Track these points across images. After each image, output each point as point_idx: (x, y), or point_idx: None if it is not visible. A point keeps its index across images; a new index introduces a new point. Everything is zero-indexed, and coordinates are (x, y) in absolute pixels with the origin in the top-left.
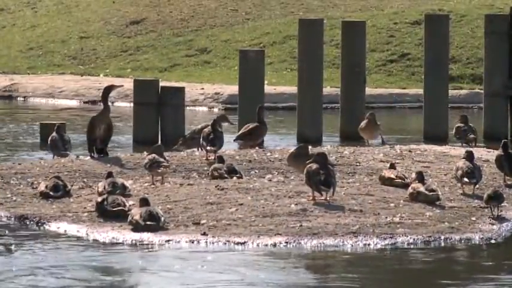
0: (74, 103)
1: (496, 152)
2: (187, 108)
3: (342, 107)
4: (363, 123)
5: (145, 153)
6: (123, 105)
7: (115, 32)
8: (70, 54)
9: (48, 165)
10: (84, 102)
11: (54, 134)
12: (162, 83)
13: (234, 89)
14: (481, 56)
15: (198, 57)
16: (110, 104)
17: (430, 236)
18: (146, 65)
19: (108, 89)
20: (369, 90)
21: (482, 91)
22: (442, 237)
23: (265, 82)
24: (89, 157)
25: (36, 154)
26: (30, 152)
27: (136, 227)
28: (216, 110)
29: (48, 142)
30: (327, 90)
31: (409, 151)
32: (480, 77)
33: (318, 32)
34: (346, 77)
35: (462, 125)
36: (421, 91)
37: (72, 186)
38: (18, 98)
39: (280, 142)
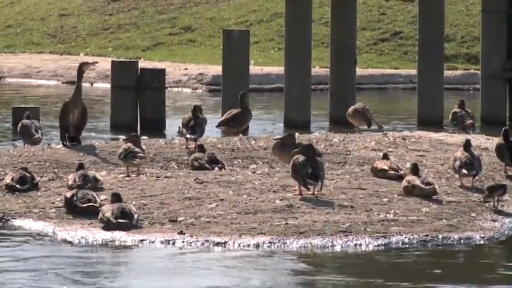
0: (52, 83)
1: (496, 140)
2: (170, 89)
3: (332, 90)
4: (350, 109)
5: (121, 140)
6: (103, 86)
7: (96, 10)
8: (49, 33)
9: (16, 154)
10: (62, 83)
11: (24, 120)
12: (143, 63)
13: (219, 69)
14: (476, 35)
15: (182, 36)
16: (89, 84)
17: (427, 235)
18: (128, 43)
19: (81, 67)
20: (359, 71)
21: (478, 71)
22: (440, 236)
23: (252, 62)
24: (61, 145)
25: (7, 141)
26: (1, 139)
27: (108, 225)
28: (200, 91)
29: (18, 129)
30: (316, 70)
31: (403, 138)
32: (475, 57)
33: (306, 10)
34: (335, 58)
35: (459, 110)
36: (414, 71)
37: (41, 177)
38: None
39: (266, 127)
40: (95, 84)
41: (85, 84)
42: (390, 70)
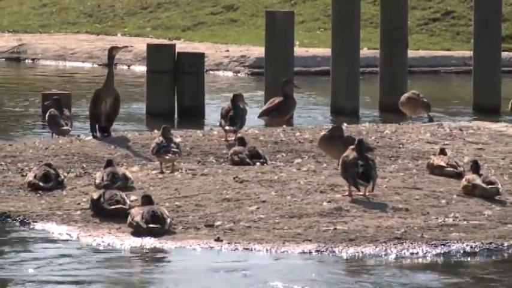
0: (87, 66)
1: None
2: (210, 73)
3: (382, 74)
4: (403, 98)
5: (155, 131)
6: (141, 69)
7: None
8: (86, 12)
9: (42, 147)
10: (98, 65)
11: (53, 109)
12: (183, 44)
13: (262, 51)
14: None
15: (224, 15)
16: (126, 67)
17: (491, 243)
18: (168, 23)
19: (111, 51)
20: (410, 53)
21: None
22: (506, 244)
23: (296, 43)
24: (90, 137)
25: (35, 130)
26: (31, 127)
27: (137, 231)
28: (241, 74)
29: (46, 118)
30: (364, 52)
31: (460, 130)
32: None
33: None
34: (385, 39)
35: None
36: (467, 53)
37: (67, 173)
38: (27, 61)
39: (312, 115)
40: (132, 67)
41: (121, 67)
42: (442, 52)
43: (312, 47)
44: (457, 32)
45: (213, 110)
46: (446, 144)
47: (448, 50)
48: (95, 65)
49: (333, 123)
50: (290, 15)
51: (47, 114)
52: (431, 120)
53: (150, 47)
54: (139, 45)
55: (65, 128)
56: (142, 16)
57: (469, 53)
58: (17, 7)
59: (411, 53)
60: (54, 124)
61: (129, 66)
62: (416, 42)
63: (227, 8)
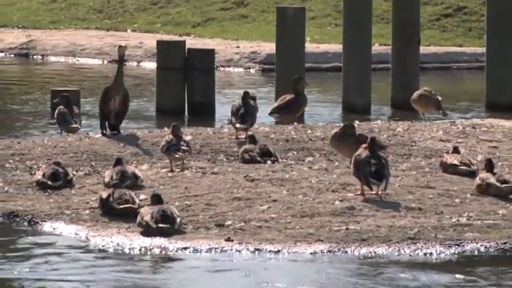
0: (97, 62)
1: None
2: (221, 69)
3: (394, 70)
4: (415, 95)
5: (165, 129)
6: (151, 66)
7: None
8: (96, 7)
9: (51, 145)
10: (108, 62)
11: (62, 106)
12: (193, 41)
13: (273, 47)
14: None
15: (234, 11)
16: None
17: (506, 243)
18: (178, 19)
19: (119, 51)
20: (421, 49)
21: None
22: None
23: (307, 39)
24: (99, 134)
25: (43, 128)
26: (39, 124)
27: (147, 230)
28: (252, 71)
29: (55, 116)
30: (376, 48)
31: (473, 127)
32: None
33: None
34: (397, 36)
35: None
36: (479, 49)
37: (76, 172)
38: (36, 57)
39: (323, 112)
40: (142, 63)
41: (131, 63)
42: (455, 48)
43: (323, 43)
44: (469, 28)
45: (223, 106)
46: (460, 142)
47: (460, 46)
48: (105, 61)
49: (344, 121)
50: (301, 11)
51: (56, 111)
52: (445, 114)
53: (160, 43)
54: (149, 41)
55: (74, 125)
56: (152, 12)
57: (481, 49)
58: (27, 3)
59: (423, 49)
60: (63, 122)
61: (139, 62)
62: (428, 38)
63: (237, 3)
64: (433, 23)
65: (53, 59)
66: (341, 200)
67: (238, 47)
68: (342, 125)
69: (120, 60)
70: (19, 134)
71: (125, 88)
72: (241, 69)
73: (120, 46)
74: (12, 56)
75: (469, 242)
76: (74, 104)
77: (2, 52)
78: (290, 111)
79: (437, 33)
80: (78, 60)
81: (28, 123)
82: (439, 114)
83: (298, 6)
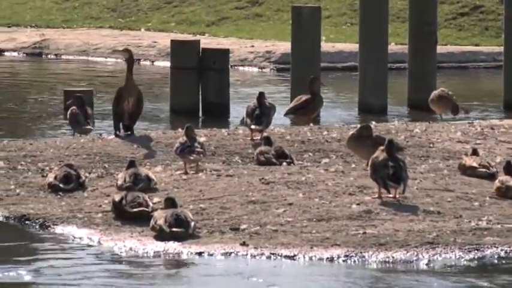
0: (110, 61)
1: None
2: (235, 68)
3: (410, 70)
4: (433, 95)
5: (179, 130)
6: (165, 65)
7: None
8: (109, 6)
9: (64, 146)
10: (122, 60)
11: (74, 107)
12: (207, 40)
13: (288, 46)
14: None
15: (249, 10)
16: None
17: None
18: (192, 18)
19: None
20: (438, 48)
21: None
22: None
23: (323, 38)
24: (113, 136)
25: (56, 129)
26: (52, 125)
27: (161, 234)
28: (267, 70)
29: (68, 116)
30: (392, 47)
31: (491, 128)
32: None
33: None
34: (414, 35)
35: None
36: (496, 49)
37: (89, 174)
38: (49, 56)
39: (339, 112)
40: (155, 63)
41: (145, 63)
42: (471, 47)
43: (338, 42)
44: (485, 27)
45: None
46: (478, 144)
47: (477, 45)
48: (118, 60)
49: (360, 121)
50: (316, 10)
51: (69, 112)
52: (466, 112)
53: (174, 43)
54: (163, 40)
55: (87, 127)
56: (166, 11)
57: (498, 48)
58: (40, 2)
59: (439, 49)
60: (76, 123)
61: (152, 62)
62: (444, 37)
63: (252, 2)
64: (449, 22)
65: (66, 58)
66: (358, 204)
67: (252, 46)
68: (358, 126)
69: (129, 63)
70: (31, 134)
71: (138, 89)
72: (256, 69)
73: (123, 50)
74: (26, 55)
75: (489, 246)
76: (87, 104)
77: (15, 51)
78: (306, 111)
79: (454, 32)
80: (91, 59)
81: (40, 124)
82: (455, 116)
83: (314, 5)
